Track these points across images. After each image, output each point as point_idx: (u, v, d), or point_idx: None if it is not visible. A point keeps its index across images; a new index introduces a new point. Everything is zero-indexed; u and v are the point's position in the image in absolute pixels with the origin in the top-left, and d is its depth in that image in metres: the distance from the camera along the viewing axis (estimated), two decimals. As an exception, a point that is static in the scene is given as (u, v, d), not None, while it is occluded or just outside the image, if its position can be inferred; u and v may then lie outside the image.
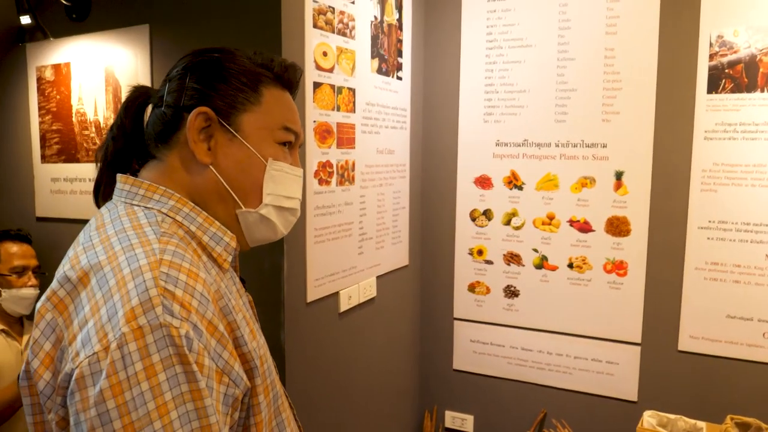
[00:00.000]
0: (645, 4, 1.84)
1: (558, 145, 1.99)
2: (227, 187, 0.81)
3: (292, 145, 0.88)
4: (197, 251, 0.76)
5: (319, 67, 1.59)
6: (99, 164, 0.85)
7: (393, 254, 2.05)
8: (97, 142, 1.78)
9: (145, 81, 1.67)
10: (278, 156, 0.84)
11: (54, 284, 0.70)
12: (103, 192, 0.86)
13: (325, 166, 1.64)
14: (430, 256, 2.25)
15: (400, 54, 2.01)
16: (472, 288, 2.18)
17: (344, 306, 1.78)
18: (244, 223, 0.84)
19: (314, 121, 1.58)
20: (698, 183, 1.82)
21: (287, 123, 0.85)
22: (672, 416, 1.73)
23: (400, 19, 1.99)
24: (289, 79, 0.87)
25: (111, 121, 1.79)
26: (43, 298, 0.70)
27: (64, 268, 0.71)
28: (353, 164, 1.77)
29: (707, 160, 1.81)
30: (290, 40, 1.49)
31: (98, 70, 1.75)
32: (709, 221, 1.82)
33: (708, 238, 1.83)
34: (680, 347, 1.89)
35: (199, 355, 0.65)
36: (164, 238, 0.71)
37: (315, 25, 1.57)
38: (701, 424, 1.69)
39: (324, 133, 1.63)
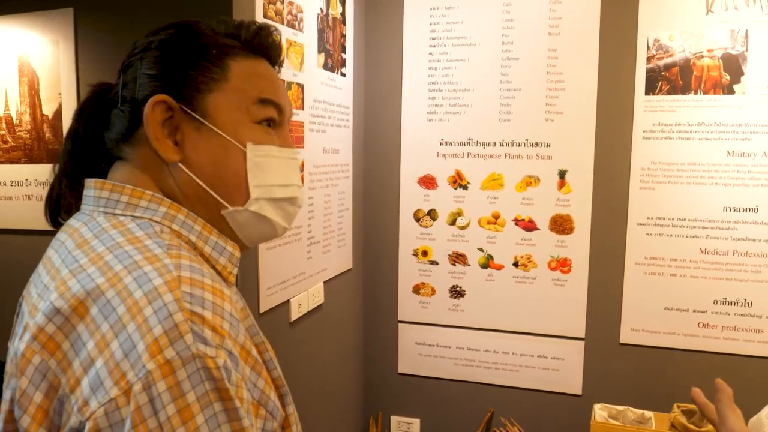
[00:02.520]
0: (586, 6, 1.88)
1: (503, 145, 2.00)
2: (204, 186, 0.69)
3: (276, 122, 0.74)
4: (204, 265, 0.65)
5: (269, 61, 1.48)
6: (55, 173, 0.74)
7: (338, 258, 1.97)
8: (9, 140, 1.57)
9: (69, 72, 1.49)
10: (260, 138, 0.71)
11: (39, 319, 0.56)
12: (63, 205, 0.73)
13: (276, 166, 1.54)
14: (373, 259, 2.19)
15: (343, 49, 1.93)
16: (416, 289, 2.14)
17: (295, 315, 1.68)
18: (234, 224, 0.72)
19: (265, 119, 1.48)
20: (637, 181, 1.89)
21: (263, 94, 0.72)
22: (620, 408, 1.78)
23: (343, 13, 1.91)
24: (261, 43, 0.74)
25: (25, 117, 1.58)
26: (26, 338, 0.56)
27: (50, 299, 0.57)
28: (302, 164, 1.68)
29: (645, 159, 1.87)
30: (241, 30, 1.37)
31: (10, 59, 1.55)
32: (648, 218, 1.89)
33: (647, 234, 1.89)
34: (622, 340, 1.95)
35: (239, 388, 0.55)
36: (173, 251, 0.60)
37: (265, 15, 1.46)
38: (649, 413, 1.75)
39: (275, 131, 1.52)
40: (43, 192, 1.55)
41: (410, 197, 2.11)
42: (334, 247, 1.93)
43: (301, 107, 1.65)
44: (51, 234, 1.59)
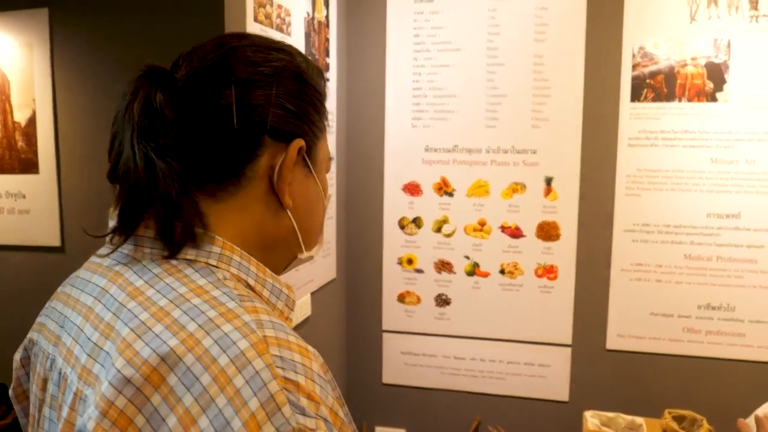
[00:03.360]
0: (572, 13, 1.88)
1: (489, 151, 1.98)
2: (298, 232, 0.65)
3: None
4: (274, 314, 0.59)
5: (259, 66, 1.42)
6: (127, 191, 0.56)
7: (324, 268, 1.92)
8: (-24, 149, 1.46)
9: (43, 77, 1.40)
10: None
11: (107, 391, 0.48)
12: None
13: (266, 176, 1.48)
14: (357, 268, 2.14)
15: (327, 54, 1.88)
16: (401, 298, 2.11)
17: (284, 328, 1.62)
18: (292, 263, 0.72)
19: (256, 127, 1.42)
20: (623, 188, 1.90)
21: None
22: (611, 414, 1.78)
23: (327, 17, 1.86)
24: None
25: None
26: (93, 414, 0.48)
27: (115, 365, 0.49)
28: (291, 173, 1.62)
29: (631, 165, 1.89)
30: (232, 34, 1.31)
31: (-23, 62, 1.44)
32: (634, 224, 1.90)
33: (633, 241, 1.91)
34: (608, 346, 1.96)
35: None
36: (247, 303, 0.53)
37: (255, 19, 1.40)
38: (639, 419, 1.75)
39: (265, 139, 1.47)
40: (16, 204, 1.45)
41: (395, 205, 2.08)
42: (320, 257, 1.88)
43: (290, 114, 1.60)
44: (21, 250, 1.48)
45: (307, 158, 0.64)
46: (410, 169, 2.05)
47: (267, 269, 0.63)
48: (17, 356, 0.68)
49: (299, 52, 0.67)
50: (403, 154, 2.05)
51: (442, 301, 2.07)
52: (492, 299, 2.03)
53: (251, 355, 0.48)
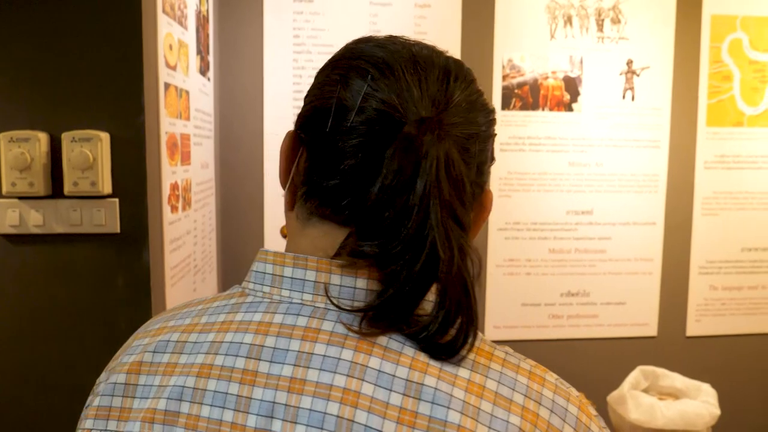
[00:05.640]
0: (448, 22, 1.96)
1: (373, 156, 1.98)
2: None
3: None
4: None
5: (167, 64, 1.25)
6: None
7: (211, 285, 1.75)
8: None
9: None
10: None
11: None
12: None
13: (174, 188, 1.30)
14: (237, 280, 1.99)
15: (209, 51, 1.71)
16: (285, 310, 2.01)
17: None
18: None
19: (166, 133, 1.24)
20: (497, 189, 2.04)
21: None
22: (499, 402, 1.91)
23: (208, 10, 1.70)
24: None
25: None
26: None
27: None
28: (190, 183, 1.45)
29: (503, 169, 2.03)
30: (148, 27, 1.13)
31: None
32: (506, 223, 2.05)
33: (505, 238, 2.06)
34: (486, 337, 2.09)
35: None
36: (529, 359, 0.51)
37: (163, 10, 1.22)
38: (526, 403, 1.91)
39: (172, 147, 1.29)
40: None
41: (276, 213, 1.97)
42: (208, 273, 1.71)
43: (188, 118, 1.43)
44: None
45: None
46: (292, 175, 1.96)
47: None
48: None
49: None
50: (285, 159, 1.95)
51: (329, 309, 2.03)
52: (379, 303, 2.04)
53: (585, 420, 0.46)
